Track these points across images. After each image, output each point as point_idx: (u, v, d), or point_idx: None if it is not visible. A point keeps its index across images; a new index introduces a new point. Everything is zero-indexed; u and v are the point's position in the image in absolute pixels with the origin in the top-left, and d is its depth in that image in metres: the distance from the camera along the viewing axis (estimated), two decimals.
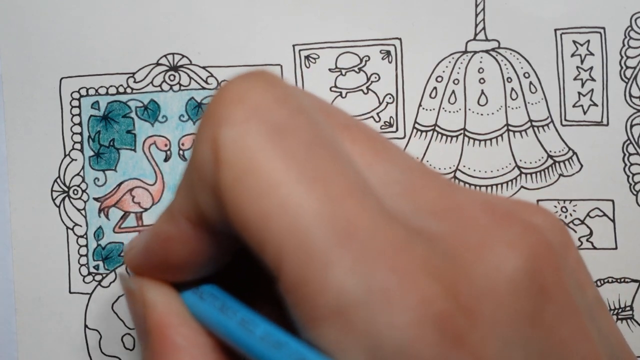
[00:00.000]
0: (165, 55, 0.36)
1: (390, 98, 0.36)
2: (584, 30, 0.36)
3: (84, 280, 0.35)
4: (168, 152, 0.36)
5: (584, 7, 0.36)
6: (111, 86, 0.36)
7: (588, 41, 0.36)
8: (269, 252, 0.19)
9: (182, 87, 0.36)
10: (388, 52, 0.36)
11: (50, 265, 0.35)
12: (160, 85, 0.36)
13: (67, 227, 0.35)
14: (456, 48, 0.36)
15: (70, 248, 0.35)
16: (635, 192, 0.36)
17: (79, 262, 0.35)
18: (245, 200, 0.19)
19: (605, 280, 0.36)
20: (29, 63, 0.35)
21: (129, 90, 0.36)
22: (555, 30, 0.36)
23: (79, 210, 0.36)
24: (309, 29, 0.36)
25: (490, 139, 0.36)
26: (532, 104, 0.36)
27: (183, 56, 0.36)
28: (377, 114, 0.36)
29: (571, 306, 0.20)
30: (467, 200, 0.21)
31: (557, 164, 0.36)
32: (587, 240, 0.36)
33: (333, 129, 0.21)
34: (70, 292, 0.35)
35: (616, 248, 0.36)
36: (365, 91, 0.36)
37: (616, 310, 0.36)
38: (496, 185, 0.36)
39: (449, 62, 0.36)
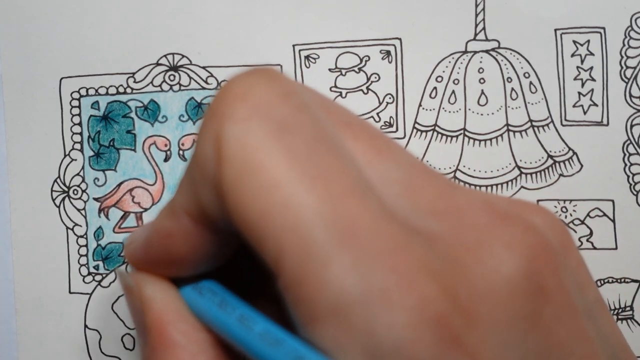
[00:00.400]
0: (165, 55, 0.36)
1: (390, 98, 0.36)
2: (584, 30, 0.36)
3: (84, 280, 0.35)
4: (168, 152, 0.36)
5: (584, 7, 0.36)
6: (111, 86, 0.36)
7: (588, 41, 0.36)
8: (269, 249, 0.19)
9: (182, 87, 0.36)
10: (388, 52, 0.36)
11: (50, 265, 0.35)
12: (160, 85, 0.36)
13: (67, 227, 0.35)
14: (456, 48, 0.36)
15: (70, 248, 0.35)
16: (635, 192, 0.36)
17: (79, 262, 0.35)
18: (246, 197, 0.19)
19: (605, 280, 0.36)
20: (29, 63, 0.36)
21: (129, 90, 0.36)
22: (555, 30, 0.36)
23: (79, 210, 0.36)
24: (309, 29, 0.36)
25: (490, 139, 0.36)
26: (532, 104, 0.36)
27: (183, 56, 0.36)
28: (377, 114, 0.36)
29: (570, 307, 0.20)
30: (466, 200, 0.21)
31: (557, 164, 0.36)
32: (587, 240, 0.36)
33: (335, 126, 0.21)
34: (70, 292, 0.35)
35: (616, 248, 0.36)
36: (365, 91, 0.36)
37: (616, 311, 0.36)
38: (496, 185, 0.36)
39: (449, 62, 0.36)
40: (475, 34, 0.36)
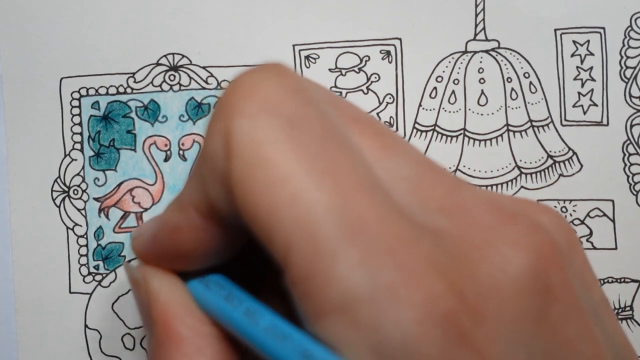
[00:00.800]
0: (165, 55, 0.36)
1: (390, 98, 0.36)
2: (584, 30, 0.36)
3: (84, 280, 0.35)
4: (168, 152, 0.36)
5: (584, 7, 0.36)
6: (111, 86, 0.36)
7: (588, 41, 0.36)
8: (276, 244, 0.19)
9: (182, 87, 0.36)
10: (388, 52, 0.36)
11: (50, 265, 0.35)
12: (160, 85, 0.36)
13: (67, 227, 0.35)
14: (456, 48, 0.36)
15: (70, 248, 0.35)
16: (635, 192, 0.36)
17: (79, 262, 0.35)
18: (255, 192, 0.20)
19: (605, 280, 0.36)
20: (29, 63, 0.35)
21: (129, 90, 0.36)
22: (555, 30, 0.36)
23: (79, 210, 0.35)
24: (309, 29, 0.36)
25: (490, 139, 0.36)
26: (532, 104, 0.36)
27: (183, 56, 0.36)
28: (377, 114, 0.36)
29: (576, 306, 0.20)
30: (473, 198, 0.21)
31: (557, 164, 0.36)
32: (587, 240, 0.36)
33: (343, 121, 0.21)
34: (70, 292, 0.35)
35: (616, 248, 0.36)
36: (365, 91, 0.36)
37: (616, 310, 0.36)
38: (496, 185, 0.36)
39: (449, 62, 0.36)
40: (475, 34, 0.36)
